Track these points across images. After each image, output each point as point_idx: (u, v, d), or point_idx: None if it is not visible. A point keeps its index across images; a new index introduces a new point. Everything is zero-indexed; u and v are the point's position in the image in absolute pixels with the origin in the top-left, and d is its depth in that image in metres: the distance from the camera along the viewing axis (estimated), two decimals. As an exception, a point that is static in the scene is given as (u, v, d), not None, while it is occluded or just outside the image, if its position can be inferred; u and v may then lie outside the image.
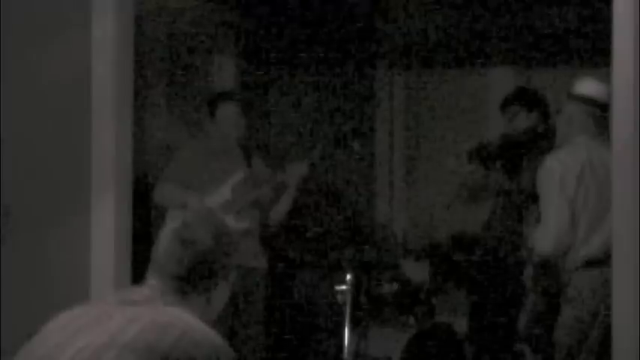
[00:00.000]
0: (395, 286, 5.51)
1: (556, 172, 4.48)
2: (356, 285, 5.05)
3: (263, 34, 6.79)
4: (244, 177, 5.30)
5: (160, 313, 2.28)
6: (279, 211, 5.40)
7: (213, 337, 2.27)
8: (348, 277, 4.97)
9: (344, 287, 4.96)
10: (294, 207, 5.47)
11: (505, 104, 5.62)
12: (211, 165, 5.27)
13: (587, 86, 4.62)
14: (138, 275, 2.86)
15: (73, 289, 4.41)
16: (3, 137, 4.54)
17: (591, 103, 4.57)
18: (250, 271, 5.17)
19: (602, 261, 4.34)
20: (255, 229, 5.32)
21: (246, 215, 5.23)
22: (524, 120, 5.52)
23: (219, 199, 5.21)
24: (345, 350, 4.96)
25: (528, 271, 5.01)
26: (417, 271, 6.14)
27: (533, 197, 4.72)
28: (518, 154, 5.49)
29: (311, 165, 5.36)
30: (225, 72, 6.76)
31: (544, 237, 4.50)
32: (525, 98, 5.59)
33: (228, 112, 5.27)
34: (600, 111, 4.56)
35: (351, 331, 4.99)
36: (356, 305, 5.10)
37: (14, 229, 4.53)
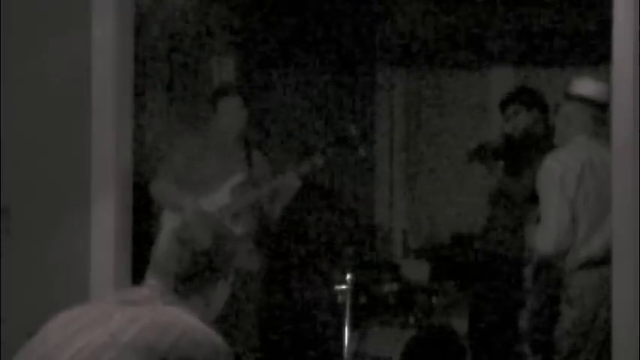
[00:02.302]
0: (395, 286, 5.50)
1: (556, 172, 4.47)
2: (356, 285, 5.05)
3: (263, 34, 6.79)
4: (244, 179, 5.25)
5: (160, 313, 2.28)
6: (273, 212, 5.34)
7: (213, 337, 2.28)
8: (348, 277, 4.97)
9: (344, 287, 4.96)
10: (294, 207, 5.44)
11: (505, 103, 5.61)
12: (210, 162, 5.22)
13: (585, 86, 4.61)
14: (138, 275, 2.86)
15: (73, 289, 4.41)
16: (3, 137, 4.54)
17: (589, 103, 4.57)
18: (246, 273, 5.13)
19: (602, 261, 4.34)
20: (251, 231, 5.26)
21: (244, 218, 5.18)
22: (523, 119, 5.51)
23: (219, 201, 5.15)
24: (345, 350, 4.96)
25: (528, 271, 5.01)
26: (417, 271, 6.13)
27: (534, 197, 4.71)
28: (519, 154, 5.48)
29: (308, 174, 5.29)
30: (225, 72, 6.75)
31: (544, 237, 4.49)
32: (525, 97, 5.58)
33: (230, 105, 5.20)
34: (599, 111, 4.55)
35: (351, 331, 4.99)
36: (356, 305, 5.10)
37: (14, 229, 4.53)
